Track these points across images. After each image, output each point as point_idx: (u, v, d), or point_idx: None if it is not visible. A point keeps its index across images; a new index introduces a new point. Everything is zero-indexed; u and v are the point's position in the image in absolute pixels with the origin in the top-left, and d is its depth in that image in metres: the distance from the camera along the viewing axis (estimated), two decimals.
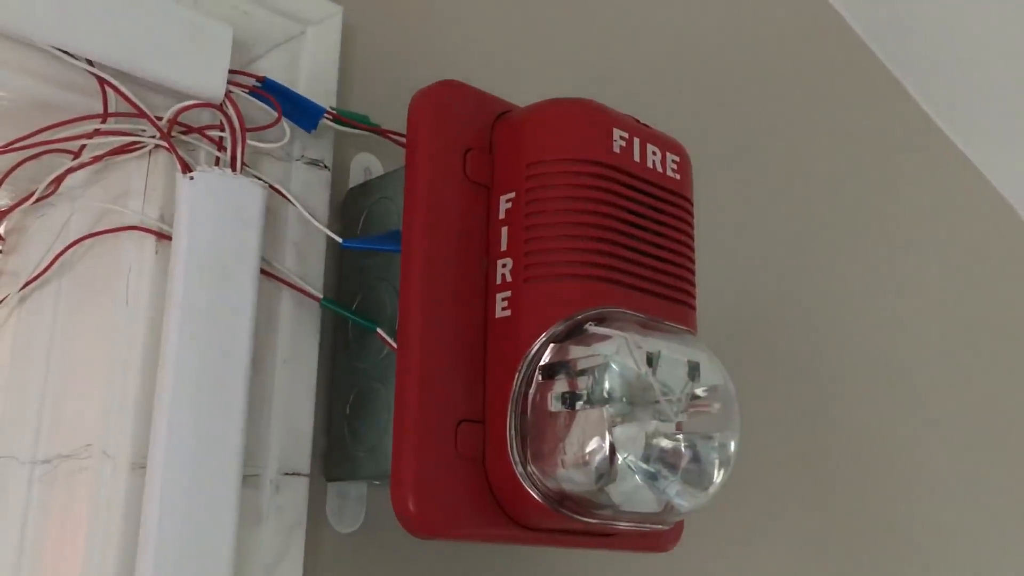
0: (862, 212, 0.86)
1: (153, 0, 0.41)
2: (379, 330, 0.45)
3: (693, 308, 0.47)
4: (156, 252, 0.42)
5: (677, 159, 0.47)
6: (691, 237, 0.47)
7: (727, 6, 0.78)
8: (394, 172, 0.49)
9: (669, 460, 0.41)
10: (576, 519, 0.41)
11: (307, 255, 0.47)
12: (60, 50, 0.39)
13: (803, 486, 0.73)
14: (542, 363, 0.41)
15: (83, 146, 0.43)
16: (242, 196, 0.42)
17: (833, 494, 0.75)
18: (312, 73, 0.49)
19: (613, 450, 0.39)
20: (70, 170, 0.45)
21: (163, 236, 0.42)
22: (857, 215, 0.86)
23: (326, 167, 0.49)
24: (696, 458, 0.42)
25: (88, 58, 0.40)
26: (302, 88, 0.48)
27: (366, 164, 0.53)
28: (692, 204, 0.48)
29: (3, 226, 0.50)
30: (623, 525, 0.43)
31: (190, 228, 0.41)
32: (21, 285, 0.46)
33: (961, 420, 0.89)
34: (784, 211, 0.79)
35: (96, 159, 0.44)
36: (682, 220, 0.47)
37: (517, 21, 0.62)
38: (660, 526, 0.44)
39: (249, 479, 0.43)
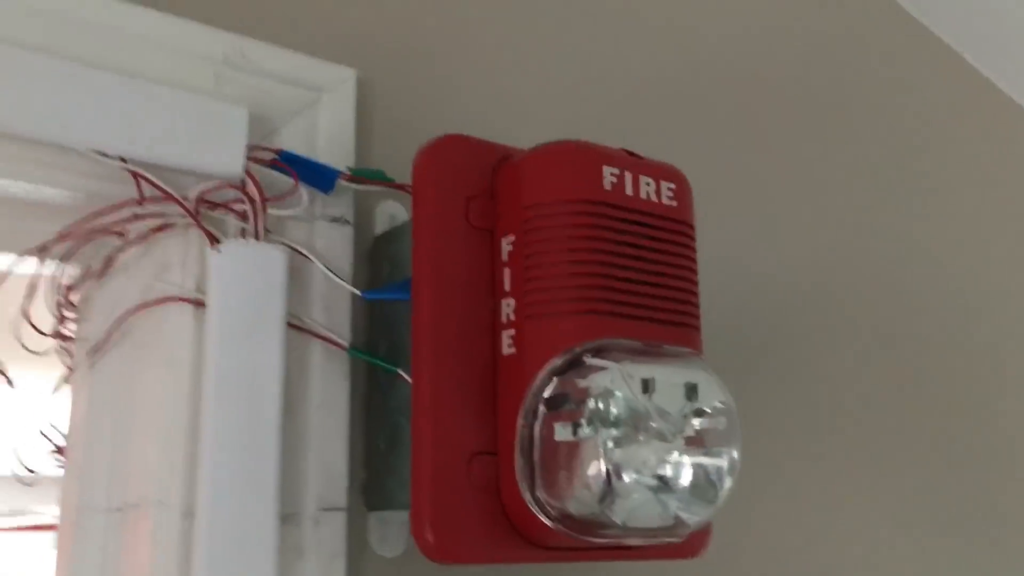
0: (929, 176, 0.85)
1: (173, 95, 0.46)
2: (400, 371, 0.48)
3: (696, 328, 0.49)
4: (194, 318, 0.47)
5: (673, 186, 0.49)
6: (691, 259, 0.49)
7: None
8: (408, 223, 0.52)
9: (669, 477, 0.43)
10: (586, 539, 0.44)
11: (334, 307, 0.51)
12: (97, 151, 0.44)
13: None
14: (544, 396, 0.44)
15: (127, 228, 0.48)
16: (265, 262, 0.47)
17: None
18: (329, 136, 0.53)
19: (612, 473, 0.42)
20: (117, 250, 0.50)
21: (199, 303, 0.47)
22: (924, 180, 0.85)
23: (347, 222, 0.52)
24: (699, 472, 0.44)
25: (120, 156, 0.45)
26: (320, 151, 0.52)
27: (391, 212, 0.56)
28: (692, 227, 0.50)
29: (76, 296, 0.56)
30: (633, 541, 0.45)
31: (219, 295, 0.45)
32: (88, 351, 0.51)
33: None
34: (855, 176, 0.79)
35: (139, 239, 0.49)
36: (681, 244, 0.49)
37: (525, 65, 0.65)
38: (673, 539, 0.46)
39: (289, 517, 0.47)
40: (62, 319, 0.53)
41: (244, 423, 0.44)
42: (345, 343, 0.50)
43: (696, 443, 0.44)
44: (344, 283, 0.49)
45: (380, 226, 0.56)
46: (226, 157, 0.47)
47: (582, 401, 0.43)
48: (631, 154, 0.49)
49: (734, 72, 0.76)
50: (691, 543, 0.51)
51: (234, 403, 0.44)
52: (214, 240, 0.46)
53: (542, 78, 0.65)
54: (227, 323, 0.45)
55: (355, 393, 0.51)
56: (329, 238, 0.52)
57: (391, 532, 0.52)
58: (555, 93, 0.65)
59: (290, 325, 0.48)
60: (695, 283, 0.49)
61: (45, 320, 0.53)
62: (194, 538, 0.43)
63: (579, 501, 0.42)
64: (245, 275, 0.46)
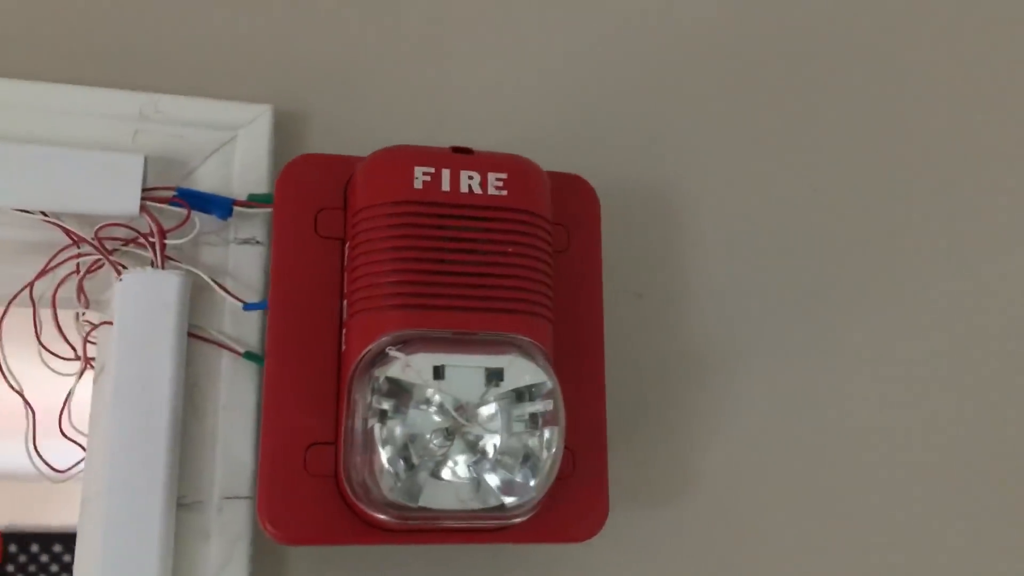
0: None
1: (79, 154, 0.55)
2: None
3: (534, 314, 0.49)
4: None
5: (503, 176, 0.50)
6: (531, 246, 0.50)
7: None
8: None
9: (461, 460, 0.45)
10: (404, 523, 0.46)
11: (242, 319, 0.57)
12: (19, 209, 0.55)
13: None
14: (352, 387, 0.47)
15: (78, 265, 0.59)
16: (161, 284, 0.55)
17: None
18: (244, 169, 0.60)
19: (397, 460, 0.44)
20: (78, 284, 0.60)
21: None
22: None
23: (258, 243, 0.59)
24: (509, 452, 0.45)
25: (41, 210, 0.55)
26: (235, 183, 0.59)
27: None
28: (532, 213, 0.50)
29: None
30: (451, 523, 0.47)
31: (121, 315, 0.54)
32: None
33: None
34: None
35: (87, 273, 0.59)
36: (515, 232, 0.50)
37: (445, 87, 0.67)
38: (500, 521, 0.47)
39: (195, 505, 0.54)
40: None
41: (139, 422, 0.52)
42: (241, 350, 0.56)
43: (495, 426, 0.45)
44: (227, 294, 0.56)
45: None
46: (124, 199, 0.55)
47: (377, 391, 0.46)
48: (461, 151, 0.51)
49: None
50: (577, 526, 0.51)
51: (130, 407, 0.52)
52: (119, 270, 0.55)
53: (461, 100, 0.67)
54: (127, 338, 0.53)
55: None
56: (240, 259, 0.58)
57: None
58: (475, 115, 0.67)
59: (198, 337, 0.56)
60: (536, 269, 0.50)
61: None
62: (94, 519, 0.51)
63: (378, 487, 0.45)
64: (142, 297, 0.54)
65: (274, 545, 0.56)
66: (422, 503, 0.45)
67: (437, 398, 0.45)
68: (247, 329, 0.57)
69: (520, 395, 0.46)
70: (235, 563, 0.53)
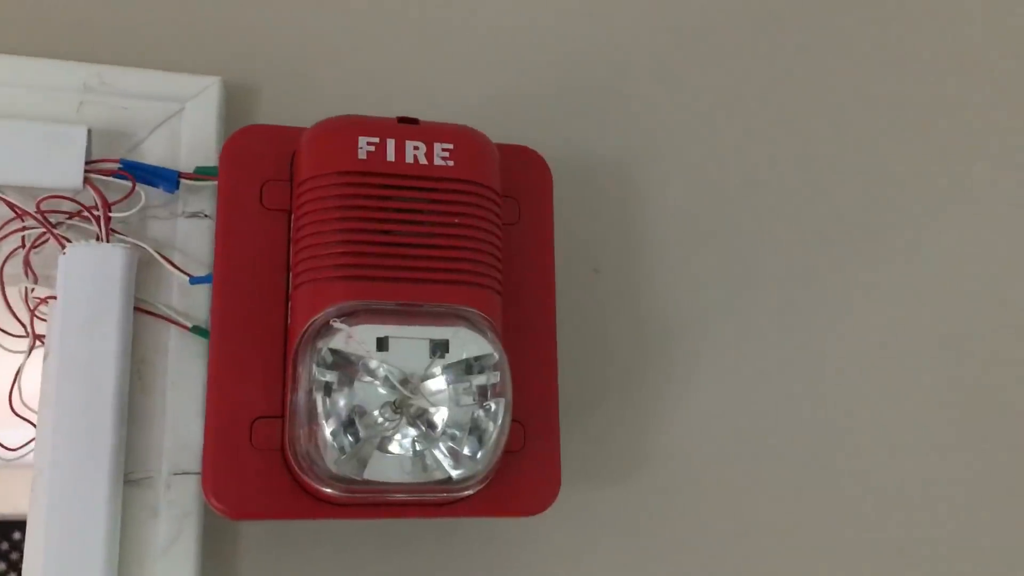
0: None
1: (17, 126, 0.54)
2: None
3: (480, 285, 0.49)
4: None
5: (449, 146, 0.50)
6: (478, 216, 0.49)
7: None
8: None
9: (404, 432, 0.45)
10: (352, 496, 0.46)
11: (190, 293, 0.57)
12: None
13: None
14: (296, 360, 0.47)
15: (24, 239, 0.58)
16: (106, 258, 0.54)
17: None
18: (193, 141, 0.59)
19: (340, 432, 0.44)
20: (25, 258, 0.59)
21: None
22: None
23: (206, 216, 0.58)
24: (454, 426, 0.45)
25: None
26: (182, 156, 0.59)
27: None
28: (479, 184, 0.50)
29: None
30: (399, 497, 0.46)
31: (64, 289, 0.53)
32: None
33: None
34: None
35: (32, 248, 0.58)
36: (461, 203, 0.49)
37: (395, 57, 0.66)
38: (448, 494, 0.47)
39: (144, 481, 0.53)
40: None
41: (85, 397, 0.51)
42: (189, 324, 0.55)
43: (441, 399, 0.45)
44: (172, 268, 0.55)
45: None
46: (67, 172, 0.54)
47: (321, 364, 0.45)
48: (407, 121, 0.50)
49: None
50: (527, 500, 0.51)
51: (75, 383, 0.52)
52: (63, 244, 0.54)
53: (411, 73, 0.66)
54: (71, 313, 0.53)
55: None
56: (188, 232, 0.58)
57: None
58: (425, 87, 0.66)
59: (145, 311, 0.55)
60: (483, 240, 0.49)
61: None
62: (40, 494, 0.51)
63: (323, 460, 0.45)
64: (87, 271, 0.53)
65: (224, 521, 0.56)
66: (367, 476, 0.44)
67: (381, 370, 0.44)
68: (194, 303, 0.57)
69: (468, 368, 0.46)
70: (184, 539, 0.53)
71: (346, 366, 0.45)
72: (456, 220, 0.48)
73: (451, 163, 0.49)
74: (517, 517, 0.54)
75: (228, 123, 0.61)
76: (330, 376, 0.45)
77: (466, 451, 0.45)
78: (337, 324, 0.46)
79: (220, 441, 0.48)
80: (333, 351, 0.45)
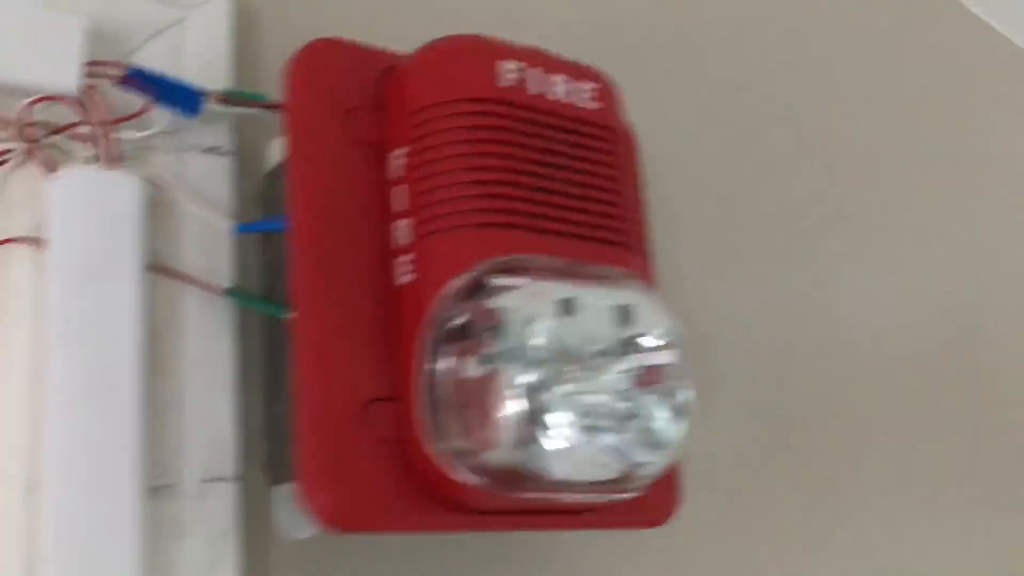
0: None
1: None
2: (287, 316, 0.42)
3: (635, 249, 0.42)
4: (32, 262, 0.40)
5: (594, 87, 0.43)
6: (624, 169, 0.43)
7: None
8: None
9: (604, 417, 0.37)
10: (509, 496, 0.37)
11: (211, 248, 0.44)
12: None
13: None
14: (445, 325, 0.37)
15: None
16: (114, 190, 0.40)
17: None
18: (200, 59, 0.46)
19: (531, 412, 0.35)
20: None
21: (39, 243, 0.40)
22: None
23: (225, 153, 0.46)
24: (642, 412, 0.38)
25: None
26: (187, 76, 0.45)
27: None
28: (626, 135, 0.43)
29: None
30: (571, 497, 0.38)
31: (59, 230, 0.38)
32: None
33: None
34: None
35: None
36: (607, 152, 0.42)
37: None
38: (624, 494, 0.39)
39: (165, 490, 0.40)
40: None
41: (96, 380, 0.37)
42: (223, 286, 0.43)
43: (636, 376, 0.38)
44: (211, 214, 0.42)
45: (272, 164, 0.49)
46: (57, 70, 0.40)
47: (490, 328, 0.36)
48: (542, 52, 0.43)
49: None
50: (653, 509, 0.44)
51: (82, 358, 0.37)
52: (52, 168, 0.39)
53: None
54: (70, 262, 0.38)
55: (247, 349, 0.44)
56: (202, 171, 0.45)
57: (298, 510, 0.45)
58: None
59: (155, 269, 0.42)
60: (632, 197, 0.43)
61: None
62: (40, 516, 0.36)
63: (494, 448, 0.36)
64: (90, 206, 0.39)
65: (268, 543, 0.43)
66: (551, 469, 0.36)
67: (574, 338, 0.36)
68: (217, 261, 0.44)
69: (643, 345, 0.38)
70: (222, 567, 0.40)
71: (512, 334, 0.36)
72: (606, 172, 0.41)
73: (597, 105, 0.42)
74: (641, 529, 0.46)
75: (241, 44, 0.48)
76: (498, 344, 0.36)
77: (648, 446, 0.38)
78: (506, 281, 0.37)
79: (329, 432, 0.37)
80: (500, 313, 0.36)
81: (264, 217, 0.44)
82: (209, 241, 0.43)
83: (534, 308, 0.36)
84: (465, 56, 0.40)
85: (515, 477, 0.36)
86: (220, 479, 0.41)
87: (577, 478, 0.37)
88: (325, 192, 0.40)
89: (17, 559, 0.36)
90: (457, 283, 0.37)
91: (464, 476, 0.36)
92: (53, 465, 0.36)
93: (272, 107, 0.46)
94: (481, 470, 0.36)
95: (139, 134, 0.42)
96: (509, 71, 0.40)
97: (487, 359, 0.36)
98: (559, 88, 0.42)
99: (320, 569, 0.44)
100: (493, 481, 0.36)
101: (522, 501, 0.38)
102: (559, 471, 0.36)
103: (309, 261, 0.39)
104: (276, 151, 0.49)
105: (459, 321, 0.37)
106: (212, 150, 0.45)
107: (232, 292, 0.43)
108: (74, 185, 0.39)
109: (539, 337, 0.36)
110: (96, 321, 0.38)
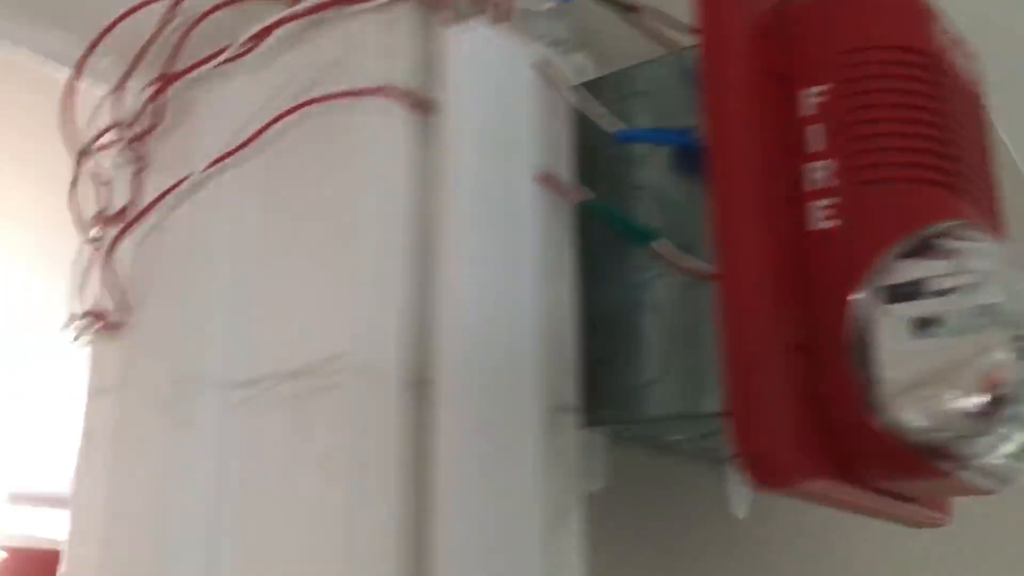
0: None
1: None
2: (657, 244, 0.37)
3: (999, 215, 0.41)
4: (404, 124, 0.33)
5: (969, 54, 0.42)
6: (991, 143, 0.42)
7: None
8: (649, 64, 0.41)
9: None
10: (939, 468, 0.34)
11: (552, 150, 0.38)
12: None
13: None
14: (893, 282, 0.34)
15: None
16: (512, 59, 0.34)
17: None
18: None
19: (1005, 388, 0.32)
20: (282, 21, 0.35)
21: (420, 104, 0.33)
22: None
23: (567, 49, 0.40)
24: None
25: None
26: None
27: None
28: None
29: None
30: (980, 482, 0.36)
31: (469, 96, 0.32)
32: (206, 164, 0.36)
33: None
34: None
35: (318, 7, 0.34)
36: (985, 127, 0.41)
37: None
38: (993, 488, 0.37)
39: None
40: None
41: (501, 270, 0.31)
42: (583, 195, 0.37)
43: None
44: (599, 116, 0.37)
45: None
46: None
47: (947, 291, 0.33)
48: None
49: None
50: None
51: (488, 244, 0.31)
52: (450, 18, 0.33)
53: None
54: (477, 136, 0.32)
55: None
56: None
57: (593, 458, 0.39)
58: None
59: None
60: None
61: None
62: (434, 420, 0.29)
63: (943, 420, 0.33)
64: (495, 75, 0.33)
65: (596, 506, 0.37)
66: (988, 453, 0.33)
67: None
68: (558, 166, 0.38)
69: None
70: (574, 516, 0.34)
71: (975, 297, 0.33)
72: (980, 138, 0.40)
73: (979, 83, 0.41)
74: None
75: None
76: (967, 311, 0.33)
77: None
78: (967, 244, 0.34)
79: (766, 376, 0.32)
80: (955, 275, 0.33)
81: (654, 128, 0.39)
82: (552, 144, 0.38)
83: (1004, 272, 0.34)
84: (915, 6, 0.38)
85: (946, 451, 0.33)
86: (565, 408, 0.35)
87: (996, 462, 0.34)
88: (746, 126, 0.36)
89: (390, 471, 0.29)
90: (908, 239, 0.34)
91: (895, 442, 0.33)
92: (456, 358, 0.30)
93: (630, 8, 0.41)
94: (914, 438, 0.33)
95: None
96: (941, 31, 0.39)
97: (942, 324, 0.33)
98: (960, 59, 0.40)
99: (613, 525, 0.39)
100: (925, 450, 0.33)
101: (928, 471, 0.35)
102: (989, 453, 0.33)
103: (740, 201, 0.35)
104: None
105: (905, 278, 0.34)
106: (560, 44, 0.40)
107: (595, 204, 0.37)
108: (482, 47, 0.33)
109: (1009, 304, 0.33)
110: (498, 204, 0.32)
